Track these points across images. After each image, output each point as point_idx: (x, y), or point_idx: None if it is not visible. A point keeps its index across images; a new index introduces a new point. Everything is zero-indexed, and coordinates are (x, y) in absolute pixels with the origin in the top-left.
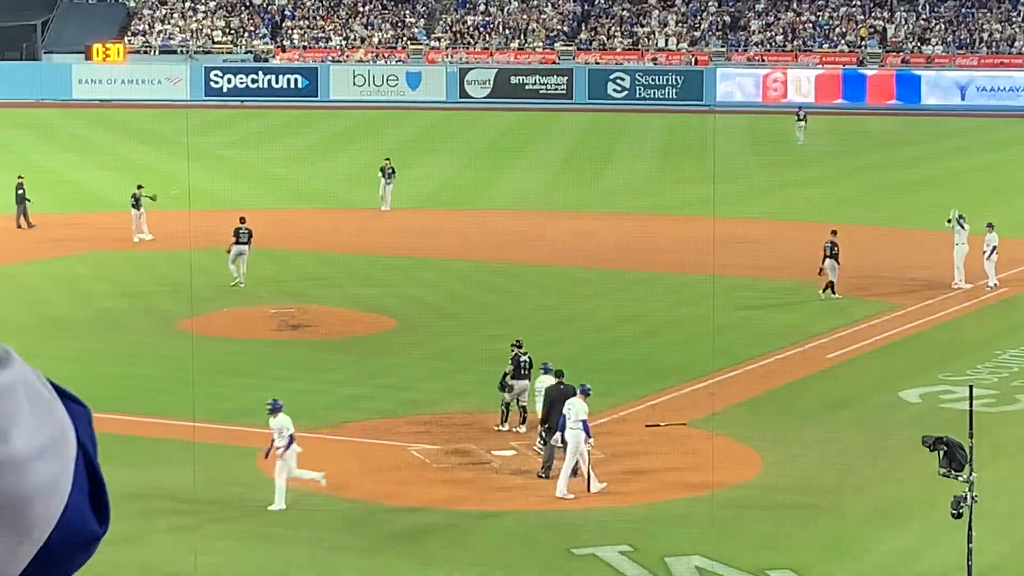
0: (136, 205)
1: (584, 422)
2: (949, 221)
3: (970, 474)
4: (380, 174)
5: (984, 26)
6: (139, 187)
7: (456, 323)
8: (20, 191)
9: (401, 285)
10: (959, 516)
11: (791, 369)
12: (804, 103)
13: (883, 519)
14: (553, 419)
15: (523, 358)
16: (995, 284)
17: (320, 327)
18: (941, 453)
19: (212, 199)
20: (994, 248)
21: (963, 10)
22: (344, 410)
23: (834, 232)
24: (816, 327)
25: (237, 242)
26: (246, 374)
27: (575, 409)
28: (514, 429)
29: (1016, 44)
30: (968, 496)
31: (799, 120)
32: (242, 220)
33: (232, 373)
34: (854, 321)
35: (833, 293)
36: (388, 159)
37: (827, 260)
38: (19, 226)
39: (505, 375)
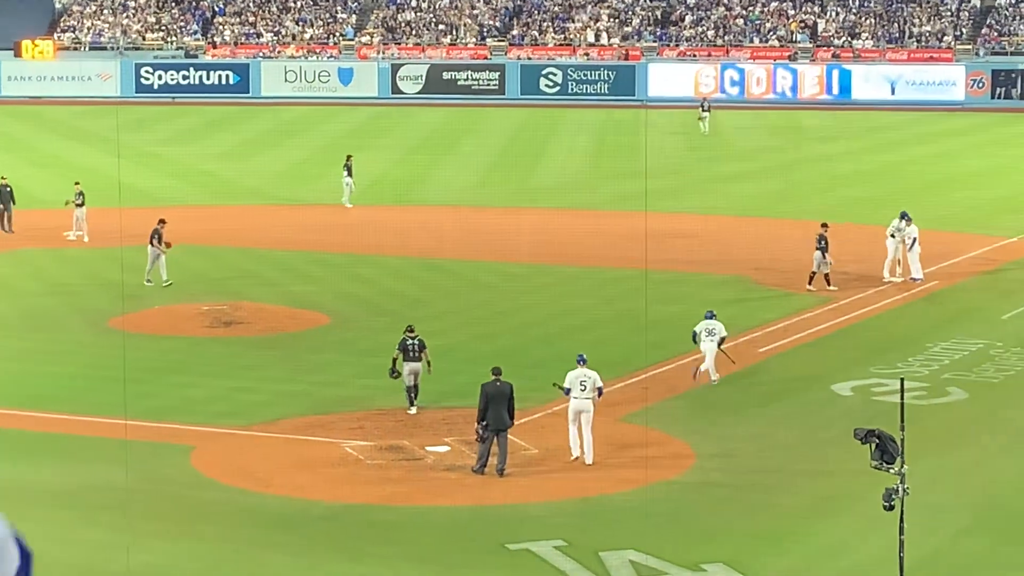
0: (80, 203)
1: (601, 388)
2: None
3: (902, 466)
4: (345, 172)
5: (914, 20)
6: (76, 183)
7: (390, 319)
8: (6, 190)
9: (334, 281)
10: (891, 508)
11: (724, 363)
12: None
13: (816, 512)
14: (490, 415)
15: (410, 342)
16: (921, 277)
17: (253, 324)
18: (873, 446)
19: (143, 196)
20: (915, 240)
21: (892, 4)
22: (277, 407)
23: (824, 226)
24: (748, 321)
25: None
26: (178, 371)
27: (592, 379)
28: (408, 410)
29: (945, 38)
30: (900, 488)
31: (703, 111)
32: (161, 221)
33: (164, 371)
34: (786, 315)
35: (828, 284)
36: (350, 156)
37: (816, 252)
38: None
39: (394, 360)
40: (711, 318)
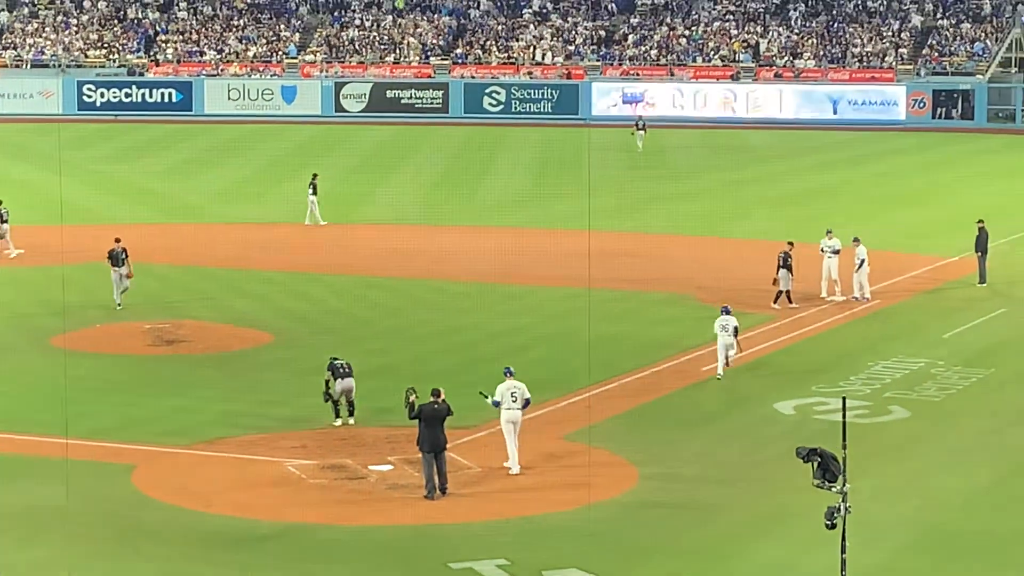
0: (4, 220)
1: (528, 399)
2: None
3: (844, 485)
4: (311, 190)
5: (855, 41)
6: None
7: (333, 338)
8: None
9: (277, 299)
10: (833, 527)
11: (667, 382)
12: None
13: (758, 530)
14: (426, 437)
15: (338, 362)
16: (868, 296)
17: (195, 342)
18: (815, 464)
19: (86, 214)
20: (863, 261)
21: (834, 25)
22: (220, 426)
23: (790, 243)
24: (691, 340)
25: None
26: (120, 390)
27: (521, 391)
28: (346, 423)
29: (886, 59)
30: (842, 507)
31: (638, 129)
32: (116, 240)
33: (106, 389)
34: None
35: (790, 302)
36: (316, 175)
37: (781, 271)
38: None
39: (327, 382)
40: (726, 313)
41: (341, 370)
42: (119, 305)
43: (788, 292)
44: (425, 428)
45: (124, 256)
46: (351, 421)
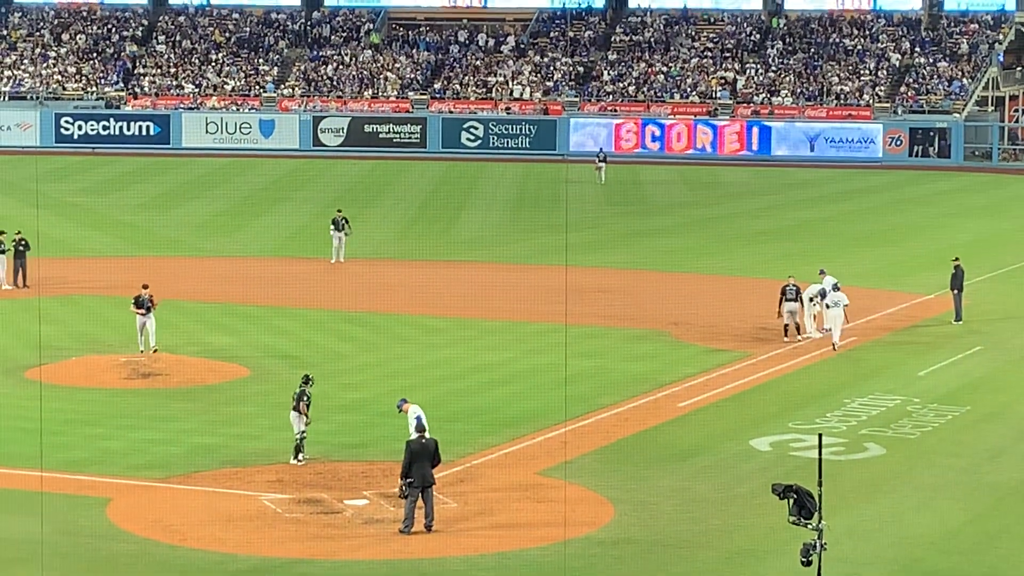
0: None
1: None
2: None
3: (819, 522)
4: (332, 226)
5: (832, 78)
6: (1, 232)
7: (310, 372)
8: (20, 246)
9: (254, 334)
10: (808, 563)
11: (643, 418)
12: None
13: (734, 567)
14: (415, 472)
15: (297, 391)
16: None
17: (171, 375)
18: (791, 501)
19: (62, 247)
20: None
21: (812, 62)
22: (195, 459)
23: (791, 278)
24: (668, 376)
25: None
26: (95, 423)
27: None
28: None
29: (864, 97)
30: (817, 544)
31: (599, 162)
32: (144, 287)
33: (81, 422)
34: (705, 370)
35: (798, 333)
36: (340, 210)
37: (790, 303)
38: (16, 284)
39: (297, 396)
40: (836, 289)
41: (292, 400)
42: (154, 349)
43: (797, 324)
44: (414, 464)
45: (150, 304)
46: (292, 462)
